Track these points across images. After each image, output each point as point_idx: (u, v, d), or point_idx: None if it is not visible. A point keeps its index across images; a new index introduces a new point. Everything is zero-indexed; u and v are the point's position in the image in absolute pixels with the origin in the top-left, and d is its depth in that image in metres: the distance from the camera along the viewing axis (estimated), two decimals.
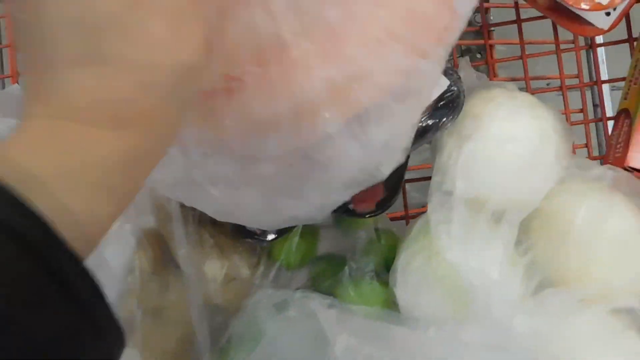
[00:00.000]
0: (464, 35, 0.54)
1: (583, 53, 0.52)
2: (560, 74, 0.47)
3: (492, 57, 0.49)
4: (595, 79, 0.48)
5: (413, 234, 0.37)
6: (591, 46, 0.48)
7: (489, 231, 0.33)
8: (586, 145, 0.47)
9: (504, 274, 0.32)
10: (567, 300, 0.33)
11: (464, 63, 0.40)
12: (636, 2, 0.41)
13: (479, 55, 0.61)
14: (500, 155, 0.34)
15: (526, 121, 0.35)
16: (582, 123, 0.48)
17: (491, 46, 0.49)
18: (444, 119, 0.34)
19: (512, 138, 0.35)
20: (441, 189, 0.35)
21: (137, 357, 0.39)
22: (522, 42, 0.47)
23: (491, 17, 0.53)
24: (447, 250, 0.33)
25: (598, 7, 0.35)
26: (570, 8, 0.38)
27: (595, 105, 0.53)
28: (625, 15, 0.45)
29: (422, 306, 0.35)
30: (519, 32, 0.47)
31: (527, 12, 0.48)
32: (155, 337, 0.41)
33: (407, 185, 0.46)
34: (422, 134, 0.34)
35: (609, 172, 0.36)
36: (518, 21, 0.48)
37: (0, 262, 0.15)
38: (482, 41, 0.50)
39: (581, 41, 0.48)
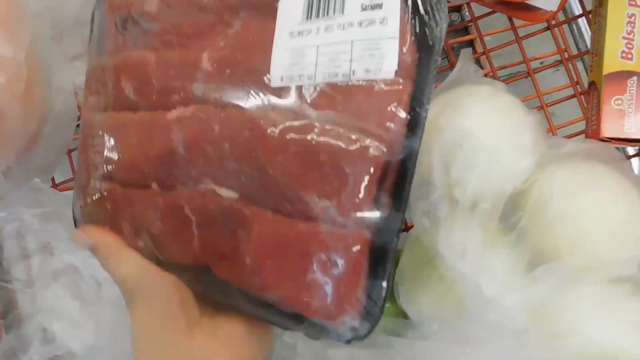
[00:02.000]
0: (450, 35, 0.55)
1: (565, 28, 0.52)
2: (558, 49, 0.47)
3: (486, 48, 0.49)
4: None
5: (408, 240, 0.39)
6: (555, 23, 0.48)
7: (468, 218, 0.34)
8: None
9: (490, 257, 0.33)
10: (562, 273, 0.33)
11: (465, 55, 0.40)
12: None
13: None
14: (470, 146, 0.35)
15: (498, 118, 0.36)
16: (572, 97, 0.48)
17: (481, 38, 0.49)
18: None
19: (482, 131, 0.36)
20: (422, 179, 0.36)
21: None
22: (513, 27, 0.47)
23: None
24: (430, 239, 0.34)
25: None
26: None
27: None
28: None
29: (424, 309, 0.36)
30: (509, 18, 0.47)
31: None
32: None
33: None
34: None
35: (582, 145, 0.37)
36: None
37: None
38: (474, 35, 0.51)
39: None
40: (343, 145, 0.25)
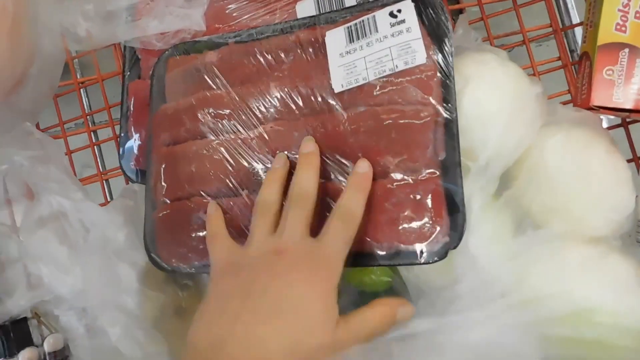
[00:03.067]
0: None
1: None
2: (551, 20, 0.48)
3: (484, 14, 0.49)
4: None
5: None
6: None
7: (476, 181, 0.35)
8: (569, 91, 0.48)
9: (483, 219, 0.35)
10: (545, 238, 0.35)
11: (462, 22, 0.41)
12: None
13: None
14: (485, 113, 0.36)
15: (511, 87, 0.37)
16: (560, 68, 0.49)
17: (481, 5, 0.50)
18: None
19: (496, 100, 0.36)
20: None
21: (165, 354, 0.41)
22: None
23: None
24: None
25: None
26: None
27: (571, 51, 0.54)
28: None
29: (417, 269, 0.37)
30: None
31: None
32: (179, 334, 0.44)
33: None
34: None
35: (573, 112, 0.39)
36: None
37: None
38: (466, 4, 0.51)
39: None
40: (402, 116, 0.35)
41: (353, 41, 0.37)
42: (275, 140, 0.38)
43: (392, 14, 0.37)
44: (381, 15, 0.37)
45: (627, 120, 0.46)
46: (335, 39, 0.38)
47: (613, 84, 0.39)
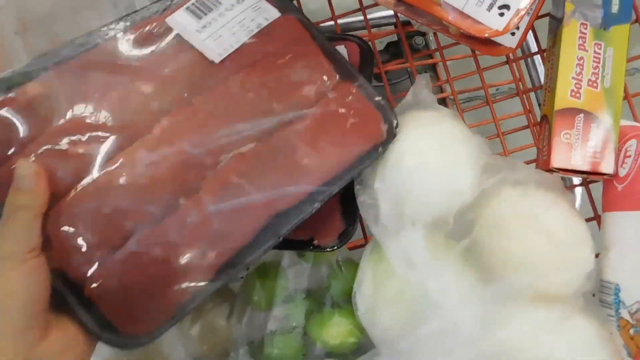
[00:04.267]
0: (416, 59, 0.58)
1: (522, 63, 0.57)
2: (514, 80, 0.51)
3: (449, 75, 0.52)
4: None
5: (364, 254, 0.40)
6: (513, 58, 0.52)
7: (412, 231, 0.36)
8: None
9: (440, 268, 0.35)
10: (511, 291, 0.36)
11: (419, 81, 0.43)
12: (536, 19, 0.45)
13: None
14: (407, 166, 0.38)
15: (433, 141, 0.39)
16: (524, 128, 0.51)
17: (445, 66, 0.52)
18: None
19: (416, 153, 0.38)
20: (367, 189, 0.39)
21: None
22: (474, 55, 0.50)
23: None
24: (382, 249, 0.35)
25: (497, 34, 0.39)
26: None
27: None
28: (532, 30, 0.49)
29: (380, 321, 0.37)
30: (472, 50, 0.50)
31: None
32: None
33: None
34: None
35: (535, 174, 0.40)
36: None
37: None
38: (439, 60, 0.54)
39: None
40: (281, 65, 0.39)
41: (201, 18, 0.39)
42: (180, 131, 0.35)
43: None
44: None
45: (588, 180, 0.47)
46: (179, 22, 0.38)
47: (571, 147, 0.41)
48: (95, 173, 0.33)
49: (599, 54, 0.41)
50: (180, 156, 0.34)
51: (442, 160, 0.37)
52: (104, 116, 0.34)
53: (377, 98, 0.39)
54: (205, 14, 0.39)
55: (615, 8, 0.42)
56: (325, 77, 0.39)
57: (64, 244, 0.32)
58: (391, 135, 0.38)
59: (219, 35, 0.38)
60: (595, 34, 0.42)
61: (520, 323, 0.36)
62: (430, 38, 0.69)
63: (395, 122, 0.39)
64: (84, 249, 0.32)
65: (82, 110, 0.34)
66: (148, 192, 0.33)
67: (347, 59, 0.45)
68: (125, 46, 0.37)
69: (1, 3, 0.44)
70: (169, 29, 0.38)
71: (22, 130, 0.34)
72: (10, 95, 0.34)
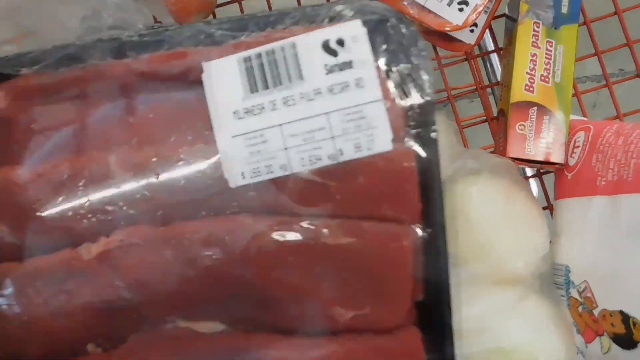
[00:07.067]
0: None
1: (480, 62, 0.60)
2: (474, 78, 0.54)
3: None
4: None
5: None
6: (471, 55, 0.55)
7: None
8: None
9: None
10: (473, 278, 0.37)
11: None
12: (493, 19, 0.48)
13: None
14: None
15: None
16: (483, 122, 0.54)
17: None
18: None
19: None
20: None
21: None
22: (438, 58, 0.52)
23: None
24: None
25: (457, 28, 0.42)
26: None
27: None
28: (489, 29, 0.52)
29: None
30: (434, 49, 0.52)
31: None
32: None
33: None
34: None
35: (493, 158, 0.42)
36: None
37: None
38: None
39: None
40: (357, 241, 0.20)
41: (257, 89, 0.20)
42: (128, 270, 0.21)
43: (327, 47, 0.20)
44: (308, 46, 0.20)
45: (541, 171, 0.50)
46: (223, 78, 0.21)
47: (525, 138, 0.43)
48: None
49: (550, 51, 0.44)
50: None
51: None
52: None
53: None
54: (266, 88, 0.20)
55: (565, 9, 0.45)
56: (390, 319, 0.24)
57: None
58: None
59: (263, 138, 0.20)
60: (547, 32, 0.45)
61: (482, 305, 0.37)
62: None
63: None
64: None
65: None
66: None
67: None
68: (120, 79, 0.23)
69: None
70: (200, 82, 0.21)
71: None
72: None
